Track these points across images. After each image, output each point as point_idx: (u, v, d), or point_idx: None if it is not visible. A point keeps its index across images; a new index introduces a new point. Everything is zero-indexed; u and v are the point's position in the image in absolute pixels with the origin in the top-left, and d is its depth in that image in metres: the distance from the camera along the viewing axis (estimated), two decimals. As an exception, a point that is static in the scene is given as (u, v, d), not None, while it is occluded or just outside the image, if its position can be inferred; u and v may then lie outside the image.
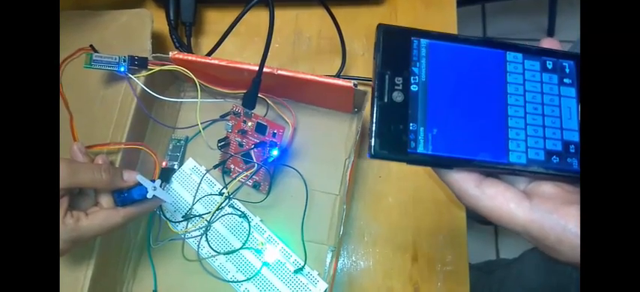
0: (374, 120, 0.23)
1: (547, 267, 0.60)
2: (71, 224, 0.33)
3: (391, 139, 0.23)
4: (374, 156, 0.23)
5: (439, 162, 0.23)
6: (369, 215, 0.48)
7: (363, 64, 0.53)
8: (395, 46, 0.24)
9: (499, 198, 0.23)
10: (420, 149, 0.23)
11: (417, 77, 0.24)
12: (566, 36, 1.28)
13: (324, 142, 0.49)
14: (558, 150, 0.24)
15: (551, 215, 0.22)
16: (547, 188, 0.24)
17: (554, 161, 0.24)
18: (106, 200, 0.36)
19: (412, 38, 0.24)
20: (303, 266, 0.44)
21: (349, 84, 0.42)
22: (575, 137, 0.24)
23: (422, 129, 0.23)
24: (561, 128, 0.24)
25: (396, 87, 0.24)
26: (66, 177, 0.33)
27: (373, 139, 0.23)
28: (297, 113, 0.48)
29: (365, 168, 0.49)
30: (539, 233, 0.23)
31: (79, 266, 0.39)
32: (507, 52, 0.25)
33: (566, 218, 0.22)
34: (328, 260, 0.45)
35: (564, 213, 0.22)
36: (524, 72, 0.25)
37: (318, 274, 0.44)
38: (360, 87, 0.43)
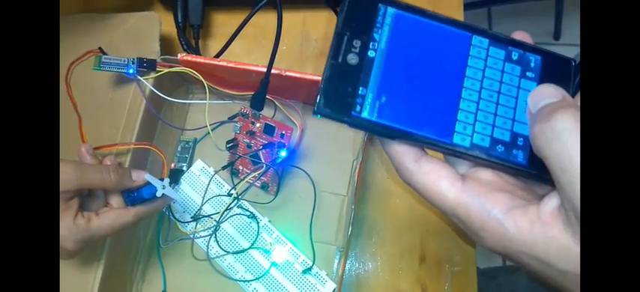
0: (324, 78, 0.23)
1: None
2: (82, 224, 0.33)
3: (337, 99, 0.23)
4: (317, 113, 0.23)
5: (381, 131, 0.23)
6: (377, 215, 0.48)
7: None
8: (360, 9, 0.24)
9: (433, 175, 0.23)
10: (365, 114, 0.23)
11: (376, 43, 0.24)
12: (573, 39, 1.28)
13: (331, 143, 0.49)
14: (505, 140, 0.24)
15: (480, 198, 0.22)
16: (485, 174, 0.24)
17: (499, 150, 0.24)
18: (115, 200, 0.37)
19: (379, 4, 0.24)
20: (311, 267, 0.44)
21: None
22: (526, 131, 0.24)
23: (370, 95, 0.23)
24: (513, 119, 0.24)
25: (353, 50, 0.23)
26: (75, 178, 0.33)
27: (319, 96, 0.23)
28: (304, 114, 0.48)
29: (373, 169, 0.49)
30: (465, 217, 0.22)
31: (89, 268, 0.40)
32: (474, 36, 0.25)
33: (493, 203, 0.22)
34: (336, 260, 0.45)
35: (493, 198, 0.22)
36: (487, 58, 0.24)
37: (327, 274, 0.44)
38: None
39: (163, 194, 0.37)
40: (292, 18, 0.54)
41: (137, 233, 0.46)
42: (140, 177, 0.37)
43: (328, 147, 0.49)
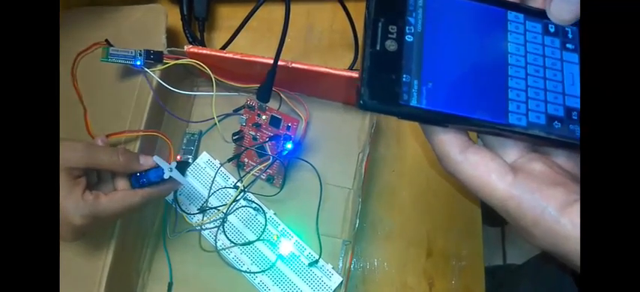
0: (364, 68, 0.22)
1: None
2: (90, 199, 0.33)
3: (383, 90, 0.21)
4: (363, 107, 0.21)
5: (434, 118, 0.22)
6: (383, 209, 0.47)
7: (375, 58, 0.53)
8: None
9: (481, 167, 0.22)
10: (414, 102, 0.21)
11: (412, 27, 0.22)
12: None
13: (336, 136, 0.49)
14: (560, 115, 0.23)
15: (533, 194, 0.21)
16: (537, 166, 0.22)
17: (556, 126, 0.22)
18: (122, 183, 0.37)
19: None
20: (317, 260, 0.44)
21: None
22: (578, 104, 0.23)
23: (416, 81, 0.22)
24: (563, 93, 0.23)
25: (390, 36, 0.22)
26: (84, 156, 0.34)
27: (363, 88, 0.21)
28: (309, 107, 0.48)
29: (378, 162, 0.49)
30: (516, 212, 0.21)
31: (97, 258, 0.40)
32: (508, 11, 0.24)
33: (548, 199, 0.21)
34: (342, 253, 0.45)
35: (547, 193, 0.21)
36: (525, 32, 0.24)
37: (332, 267, 0.44)
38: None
39: (170, 177, 0.37)
40: (296, 10, 0.54)
41: (144, 223, 0.46)
42: (148, 161, 0.37)
43: (333, 140, 0.49)
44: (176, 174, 0.37)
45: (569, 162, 0.23)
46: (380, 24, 0.22)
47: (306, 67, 0.43)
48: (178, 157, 0.48)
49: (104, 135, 0.40)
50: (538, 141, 0.23)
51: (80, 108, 0.43)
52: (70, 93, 0.44)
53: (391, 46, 0.22)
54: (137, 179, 0.37)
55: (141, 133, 0.43)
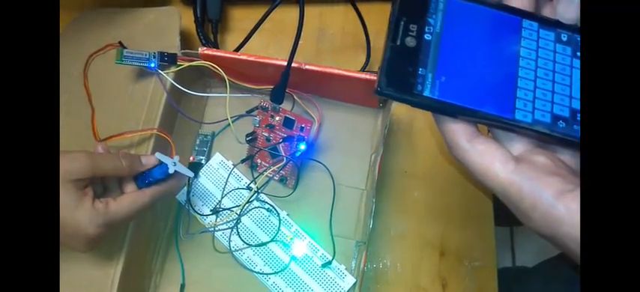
0: (384, 59, 0.24)
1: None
2: (102, 208, 0.33)
3: (399, 79, 0.24)
4: (379, 93, 0.24)
5: (444, 109, 0.24)
6: (395, 210, 0.47)
7: (387, 59, 0.53)
8: None
9: (487, 156, 0.24)
10: (427, 93, 0.24)
11: (431, 27, 0.25)
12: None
13: (349, 137, 0.49)
14: (565, 115, 0.25)
15: (532, 181, 0.23)
16: (539, 158, 0.24)
17: (560, 126, 0.24)
18: (130, 187, 0.37)
19: None
20: (330, 261, 0.44)
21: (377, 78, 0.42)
22: None
23: (430, 74, 0.24)
24: (570, 96, 0.25)
25: (410, 33, 0.25)
26: (88, 166, 0.34)
27: (381, 76, 0.24)
28: (321, 108, 0.48)
29: (391, 164, 0.49)
30: (516, 196, 0.23)
31: (109, 261, 0.40)
32: (523, 20, 0.26)
33: (546, 185, 0.23)
34: (355, 254, 0.45)
35: (546, 180, 0.23)
36: (538, 39, 0.26)
37: (346, 268, 0.44)
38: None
39: (176, 171, 0.37)
40: (309, 12, 0.53)
41: (157, 224, 0.46)
42: (150, 160, 0.37)
43: (345, 141, 0.49)
44: (180, 167, 0.37)
45: (573, 160, 0.25)
46: (402, 22, 0.25)
47: (319, 68, 0.43)
48: (191, 158, 0.48)
49: (103, 141, 0.40)
50: (542, 137, 0.25)
51: (89, 109, 0.43)
52: (83, 94, 0.45)
53: (410, 42, 0.25)
54: (143, 179, 0.37)
55: (137, 134, 0.42)
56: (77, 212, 0.32)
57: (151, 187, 0.37)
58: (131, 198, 0.36)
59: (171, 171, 0.37)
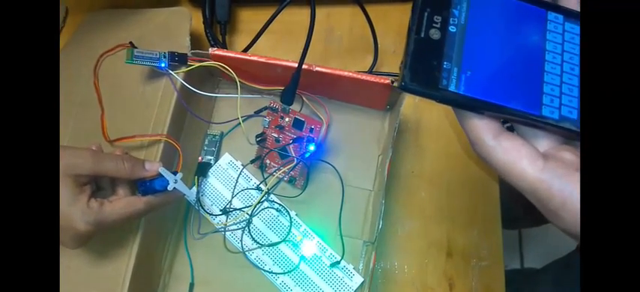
0: (408, 53, 0.23)
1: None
2: (95, 207, 0.34)
3: (423, 74, 0.23)
4: (404, 89, 0.23)
5: (470, 104, 0.23)
6: (402, 210, 0.48)
7: (393, 60, 0.53)
8: None
9: (513, 153, 0.23)
10: (452, 87, 0.23)
11: (456, 19, 0.24)
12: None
13: (356, 139, 0.49)
14: None
15: (562, 178, 0.22)
16: (567, 155, 0.23)
17: None
18: (124, 191, 0.37)
19: None
20: (339, 261, 0.44)
21: (387, 80, 0.42)
22: None
23: (456, 68, 0.23)
24: None
25: (434, 25, 0.24)
26: (90, 164, 0.34)
27: (405, 71, 0.23)
28: (330, 109, 0.48)
29: (397, 164, 0.49)
30: (545, 194, 0.22)
31: (120, 259, 0.40)
32: (549, 12, 0.25)
33: (576, 182, 0.22)
34: (363, 254, 0.46)
35: (576, 178, 0.22)
36: (564, 33, 0.25)
37: (354, 268, 0.44)
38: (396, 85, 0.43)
39: (175, 188, 0.37)
40: (317, 13, 0.54)
41: (166, 224, 0.46)
42: (153, 167, 0.38)
43: (353, 143, 0.49)
44: (180, 186, 0.37)
45: None
46: (426, 13, 0.24)
47: (330, 70, 0.43)
48: (200, 158, 0.48)
49: (112, 142, 0.40)
50: (569, 134, 0.24)
51: (99, 109, 0.44)
52: (94, 95, 0.45)
53: (435, 34, 0.24)
54: (143, 186, 0.37)
55: (147, 138, 0.43)
56: (71, 207, 0.33)
57: (148, 196, 0.37)
58: (126, 202, 0.36)
59: (170, 188, 0.37)
